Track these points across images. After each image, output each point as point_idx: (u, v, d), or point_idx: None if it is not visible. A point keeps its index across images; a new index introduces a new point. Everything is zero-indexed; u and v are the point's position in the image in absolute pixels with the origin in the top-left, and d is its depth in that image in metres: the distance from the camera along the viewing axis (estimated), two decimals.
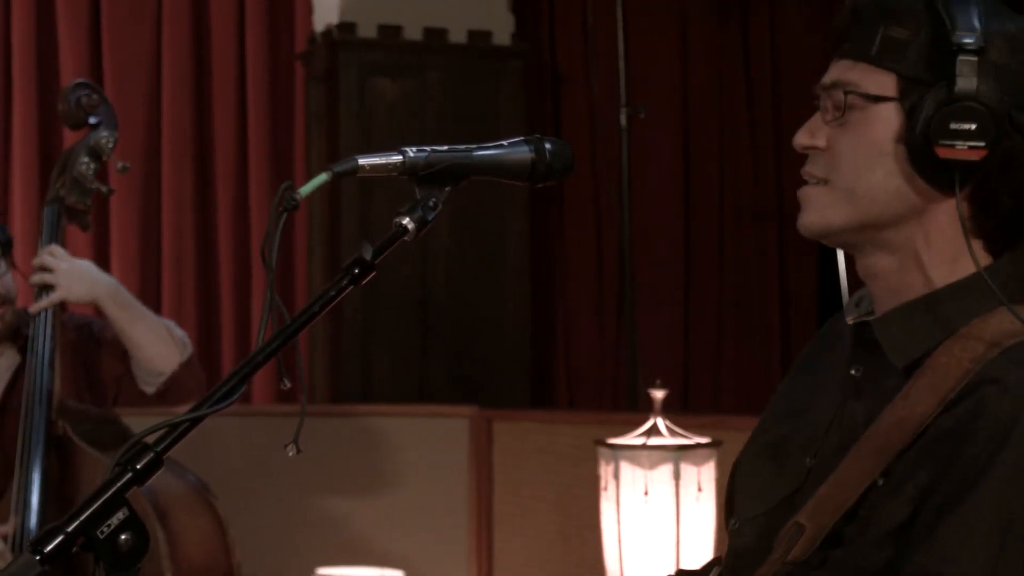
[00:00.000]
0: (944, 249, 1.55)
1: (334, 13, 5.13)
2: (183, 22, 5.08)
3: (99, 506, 1.31)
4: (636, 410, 4.25)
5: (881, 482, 1.48)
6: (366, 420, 4.54)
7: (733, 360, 5.74)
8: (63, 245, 3.16)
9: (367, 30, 5.11)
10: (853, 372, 1.60)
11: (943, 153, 1.48)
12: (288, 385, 1.42)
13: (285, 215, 1.40)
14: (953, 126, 1.48)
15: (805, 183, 1.61)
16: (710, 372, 5.74)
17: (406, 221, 1.47)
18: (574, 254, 5.59)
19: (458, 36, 5.20)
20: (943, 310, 1.54)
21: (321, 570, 4.17)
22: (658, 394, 3.42)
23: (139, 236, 5.03)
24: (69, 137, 4.57)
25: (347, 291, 1.44)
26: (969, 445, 1.43)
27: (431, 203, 1.48)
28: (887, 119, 1.54)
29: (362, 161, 1.46)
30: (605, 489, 3.42)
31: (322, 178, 1.44)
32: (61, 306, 3.11)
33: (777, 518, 1.58)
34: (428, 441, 4.45)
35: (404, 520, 4.38)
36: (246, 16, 5.14)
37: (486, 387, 5.02)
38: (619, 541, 3.35)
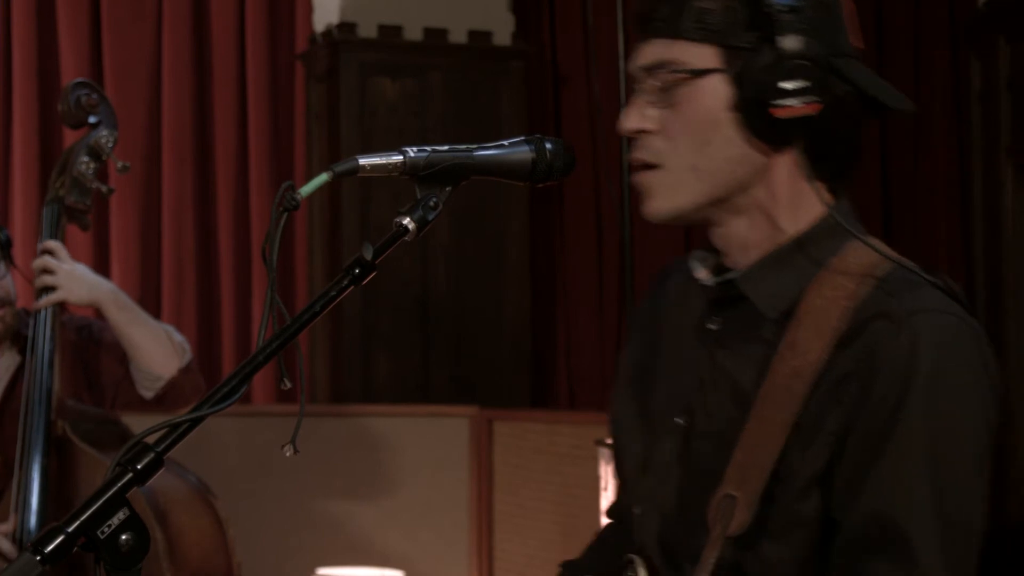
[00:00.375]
0: (787, 201, 1.59)
1: (334, 13, 5.12)
2: (183, 22, 5.08)
3: (100, 506, 1.31)
4: None
5: (791, 434, 1.50)
6: (366, 420, 4.54)
7: None
8: (63, 245, 3.16)
9: (367, 30, 5.11)
10: (711, 327, 1.62)
11: (780, 113, 1.52)
12: (289, 385, 1.41)
13: (286, 215, 1.40)
14: (785, 85, 1.52)
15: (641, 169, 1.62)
16: None
17: (407, 221, 1.47)
18: (575, 254, 5.59)
19: (458, 36, 5.20)
20: (801, 256, 1.58)
21: (321, 570, 4.17)
22: None
23: (139, 236, 5.02)
24: (69, 137, 4.57)
25: (348, 291, 1.44)
26: (876, 384, 1.47)
27: (432, 203, 1.49)
28: (715, 90, 1.56)
29: (363, 161, 1.46)
30: (606, 489, 3.42)
31: (323, 178, 1.44)
32: (61, 307, 3.10)
33: (685, 487, 1.59)
34: (428, 441, 4.45)
35: (404, 520, 4.38)
36: (247, 16, 5.14)
37: (486, 387, 5.02)
38: None
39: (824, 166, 1.58)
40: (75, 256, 3.24)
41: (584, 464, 3.72)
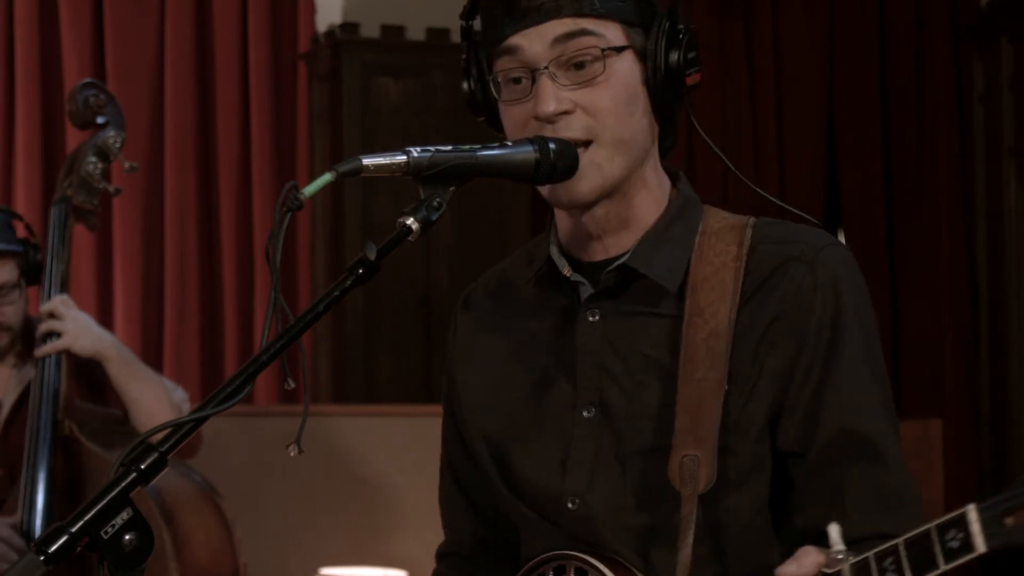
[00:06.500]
0: (657, 174, 1.68)
1: (337, 13, 5.13)
2: (186, 22, 5.08)
3: (103, 506, 1.31)
4: None
5: (728, 387, 1.57)
6: (369, 420, 4.54)
7: None
8: (70, 245, 3.16)
9: (370, 30, 5.11)
10: (593, 319, 1.65)
11: (692, 80, 1.63)
12: (292, 385, 1.42)
13: (289, 215, 1.40)
14: (691, 55, 1.62)
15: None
16: None
17: (410, 221, 1.47)
18: None
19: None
20: (676, 228, 1.66)
21: (324, 570, 4.17)
22: None
23: (142, 236, 5.02)
24: (72, 136, 4.57)
25: (351, 291, 1.44)
26: (812, 315, 1.59)
27: (435, 203, 1.49)
28: (632, 65, 1.62)
29: (366, 161, 1.47)
30: None
31: (327, 178, 1.44)
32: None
33: (625, 470, 1.61)
34: (432, 441, 4.42)
35: (408, 520, 4.38)
36: (249, 16, 5.14)
37: None
38: None
39: (669, 138, 1.69)
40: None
41: None
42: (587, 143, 1.60)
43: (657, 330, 1.62)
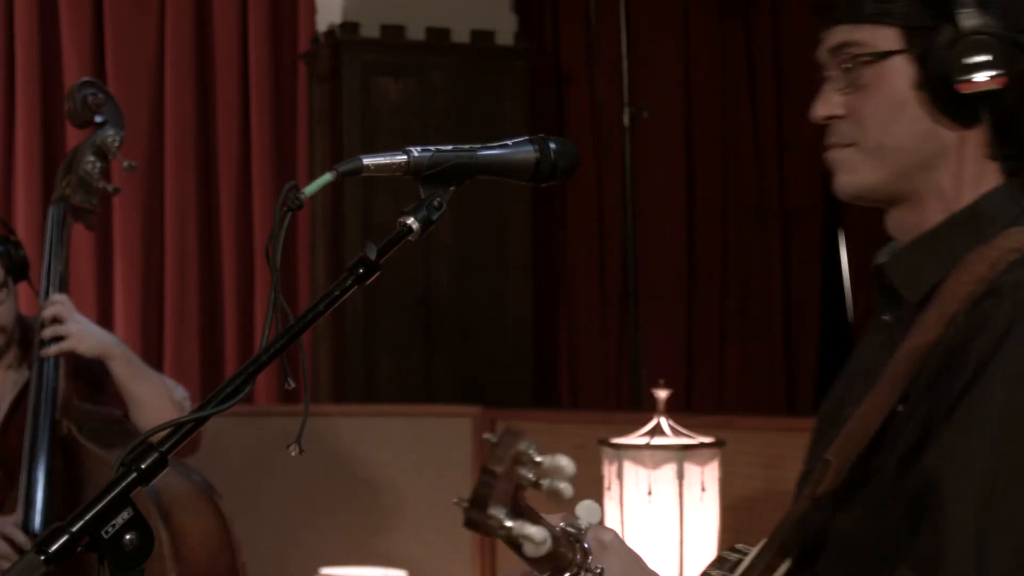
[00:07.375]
0: (968, 180, 1.60)
1: (337, 13, 5.12)
2: (186, 22, 5.08)
3: (103, 506, 1.31)
4: (640, 410, 4.25)
5: (901, 409, 1.52)
6: (369, 420, 4.54)
7: (737, 360, 5.74)
8: (69, 244, 3.16)
9: (370, 30, 5.11)
10: (886, 318, 1.65)
11: (964, 88, 1.54)
12: (292, 385, 1.42)
13: (289, 215, 1.40)
14: (969, 61, 1.54)
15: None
16: (714, 372, 5.74)
17: (410, 221, 1.47)
18: (578, 254, 5.59)
19: (461, 36, 5.20)
20: (947, 242, 1.59)
21: (324, 570, 4.17)
22: (661, 394, 3.42)
23: (142, 236, 5.02)
24: (72, 136, 4.57)
25: (351, 291, 1.44)
26: (971, 353, 1.46)
27: (435, 203, 1.49)
28: (900, 70, 1.59)
29: (367, 161, 1.47)
30: (608, 489, 3.42)
31: (327, 178, 1.44)
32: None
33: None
34: (432, 441, 4.45)
35: (408, 520, 4.38)
36: (249, 16, 5.14)
37: (489, 386, 5.02)
38: None
39: (1007, 145, 1.59)
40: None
41: (587, 464, 3.71)
42: (851, 144, 1.61)
43: (891, 337, 1.60)
